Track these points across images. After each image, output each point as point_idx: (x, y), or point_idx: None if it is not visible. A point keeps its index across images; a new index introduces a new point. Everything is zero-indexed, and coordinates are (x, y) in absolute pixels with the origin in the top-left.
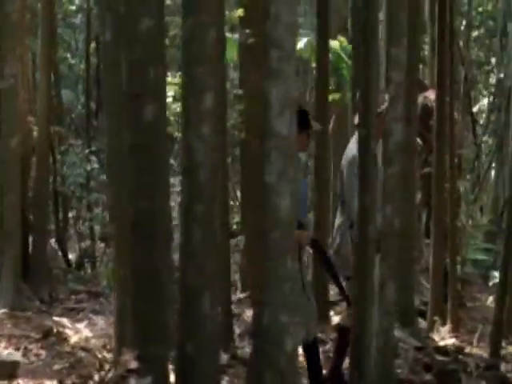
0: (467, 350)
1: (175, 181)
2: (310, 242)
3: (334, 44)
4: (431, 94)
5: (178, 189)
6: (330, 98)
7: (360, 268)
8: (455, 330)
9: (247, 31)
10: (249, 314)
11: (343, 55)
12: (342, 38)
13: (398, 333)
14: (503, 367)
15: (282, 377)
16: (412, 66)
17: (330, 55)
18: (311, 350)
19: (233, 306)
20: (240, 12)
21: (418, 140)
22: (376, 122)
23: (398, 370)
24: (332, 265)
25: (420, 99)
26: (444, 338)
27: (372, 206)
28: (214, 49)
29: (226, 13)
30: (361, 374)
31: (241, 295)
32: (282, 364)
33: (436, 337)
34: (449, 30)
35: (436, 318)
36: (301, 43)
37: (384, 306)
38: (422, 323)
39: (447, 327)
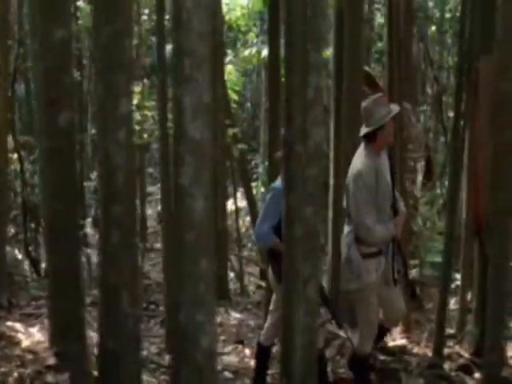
0: (415, 350)
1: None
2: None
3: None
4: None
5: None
6: None
7: (287, 267)
8: (407, 331)
9: None
10: None
11: None
12: None
13: (344, 333)
14: (447, 365)
15: (200, 374)
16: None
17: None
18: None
19: None
20: None
21: None
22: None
23: (341, 370)
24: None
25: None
26: (395, 339)
27: (298, 206)
28: (129, 56)
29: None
30: (287, 372)
31: None
32: (199, 361)
33: (388, 338)
34: (397, 35)
35: None
36: (248, 51)
37: (308, 305)
38: None
39: (399, 329)
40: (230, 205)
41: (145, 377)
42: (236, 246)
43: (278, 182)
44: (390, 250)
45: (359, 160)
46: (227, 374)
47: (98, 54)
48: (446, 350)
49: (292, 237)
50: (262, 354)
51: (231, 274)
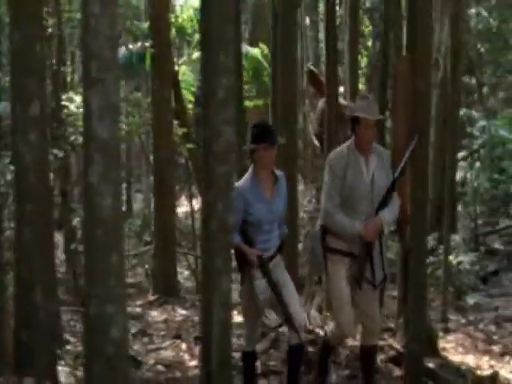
0: (350, 343)
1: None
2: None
3: (255, 52)
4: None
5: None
6: (252, 104)
7: (204, 261)
8: None
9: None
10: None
11: (265, 63)
12: (264, 46)
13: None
14: (380, 357)
15: (110, 364)
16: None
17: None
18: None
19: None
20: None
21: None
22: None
23: (272, 362)
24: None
25: (320, 104)
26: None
27: (215, 202)
28: (40, 60)
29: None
30: (205, 361)
31: (151, 297)
32: (110, 352)
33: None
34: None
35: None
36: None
37: (221, 297)
38: None
39: None
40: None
41: (65, 368)
42: (192, 244)
43: (241, 181)
44: (360, 256)
45: (333, 154)
46: (160, 367)
47: (10, 58)
48: (382, 343)
49: (208, 232)
50: (247, 359)
51: (186, 272)
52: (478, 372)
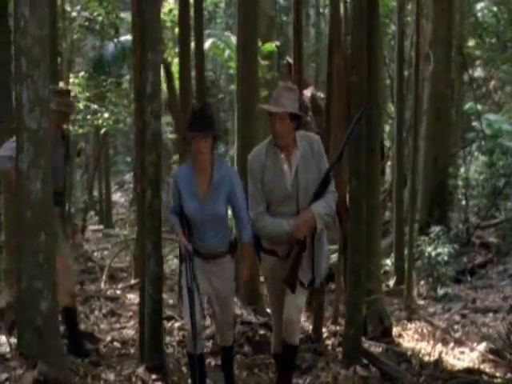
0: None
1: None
2: None
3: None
4: (308, 92)
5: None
6: None
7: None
8: (309, 310)
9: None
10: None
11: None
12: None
13: (240, 310)
14: (329, 342)
15: (40, 335)
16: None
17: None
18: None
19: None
20: None
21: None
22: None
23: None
24: None
25: (308, 94)
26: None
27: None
28: None
29: None
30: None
31: (132, 281)
32: (39, 323)
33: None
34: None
35: None
36: (207, 43)
37: (150, 276)
38: None
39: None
40: None
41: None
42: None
43: (182, 167)
44: (292, 255)
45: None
46: (116, 344)
47: None
48: (334, 328)
49: (139, 217)
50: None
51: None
52: (425, 358)
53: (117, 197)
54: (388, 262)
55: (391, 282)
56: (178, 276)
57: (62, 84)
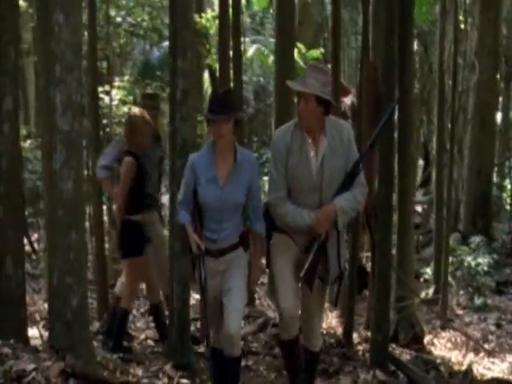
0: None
1: None
2: None
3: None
4: (348, 99)
5: None
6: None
7: None
8: (342, 316)
9: None
10: None
11: (301, 62)
12: (301, 45)
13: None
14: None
15: (69, 329)
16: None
17: None
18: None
19: None
20: None
21: None
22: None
23: (255, 344)
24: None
25: (348, 100)
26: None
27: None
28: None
29: None
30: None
31: None
32: (69, 318)
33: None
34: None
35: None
36: (251, 50)
37: (178, 277)
38: None
39: (335, 313)
40: None
41: (35, 330)
42: None
43: (197, 153)
44: (312, 251)
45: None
46: (150, 341)
47: None
48: (366, 334)
49: None
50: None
51: None
52: (455, 367)
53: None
54: (428, 270)
55: (431, 291)
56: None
57: (106, 87)
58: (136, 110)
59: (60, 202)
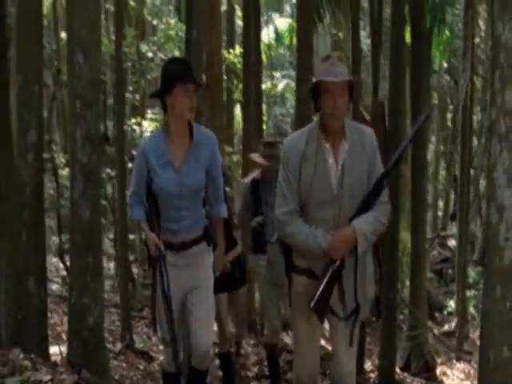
0: None
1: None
2: None
3: None
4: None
5: None
6: None
7: None
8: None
9: None
10: None
11: None
12: None
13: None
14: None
15: (86, 346)
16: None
17: None
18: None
19: None
20: None
21: None
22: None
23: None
24: None
25: None
26: None
27: None
28: (36, 98)
29: None
30: None
31: None
32: (85, 335)
33: None
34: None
35: None
36: (281, 84)
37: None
38: None
39: None
40: None
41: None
42: None
43: (148, 138)
44: (325, 280)
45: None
46: None
47: (15, 96)
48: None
49: None
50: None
51: None
52: None
53: None
54: (451, 303)
55: (453, 323)
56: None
57: (138, 119)
58: (258, 159)
59: (78, 228)
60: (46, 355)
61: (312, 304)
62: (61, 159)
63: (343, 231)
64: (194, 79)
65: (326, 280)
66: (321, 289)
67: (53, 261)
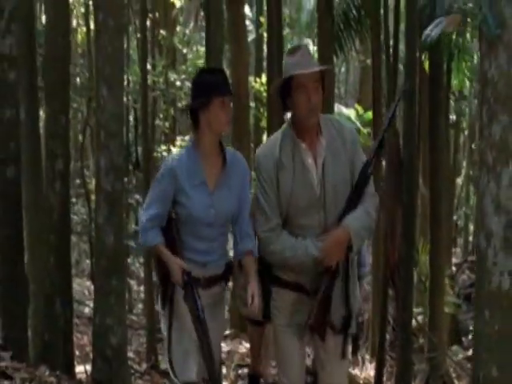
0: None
1: None
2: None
3: (349, 112)
4: None
5: None
6: None
7: None
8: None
9: None
10: None
11: (358, 123)
12: (358, 107)
13: None
14: None
15: (110, 365)
16: None
17: None
18: None
19: None
20: None
21: None
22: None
23: None
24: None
25: None
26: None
27: None
28: (63, 128)
29: None
30: None
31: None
32: (109, 354)
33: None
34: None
35: None
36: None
37: None
38: None
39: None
40: None
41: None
42: None
43: (173, 156)
44: (321, 289)
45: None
46: None
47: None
48: None
49: None
50: None
51: None
52: None
53: None
54: None
55: None
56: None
57: (168, 146)
58: None
59: (103, 253)
60: (71, 373)
61: (310, 322)
62: (93, 184)
63: (335, 233)
64: (230, 90)
65: (321, 293)
66: (317, 303)
67: (86, 284)
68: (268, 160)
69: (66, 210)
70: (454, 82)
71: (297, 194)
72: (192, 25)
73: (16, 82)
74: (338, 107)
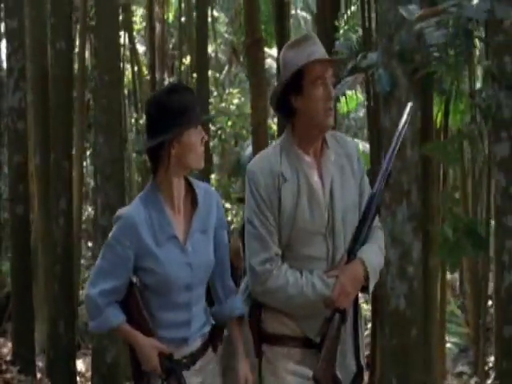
0: None
1: None
2: None
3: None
4: None
5: None
6: None
7: None
8: None
9: None
10: None
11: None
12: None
13: None
14: None
15: (105, 379)
16: None
17: None
18: None
19: None
20: None
21: None
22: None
23: None
24: None
25: None
26: None
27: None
28: (65, 172)
29: None
30: None
31: None
32: (104, 371)
33: None
34: None
35: None
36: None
37: None
38: None
39: None
40: None
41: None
42: None
43: (129, 207)
44: (329, 338)
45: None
46: None
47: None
48: None
49: None
50: None
51: None
52: None
53: None
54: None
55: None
56: None
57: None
58: None
59: None
60: None
61: (318, 376)
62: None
63: (350, 268)
64: (199, 118)
65: (329, 339)
66: (324, 351)
67: None
68: (267, 174)
69: (69, 244)
70: None
71: (301, 215)
72: None
73: (24, 131)
74: None
